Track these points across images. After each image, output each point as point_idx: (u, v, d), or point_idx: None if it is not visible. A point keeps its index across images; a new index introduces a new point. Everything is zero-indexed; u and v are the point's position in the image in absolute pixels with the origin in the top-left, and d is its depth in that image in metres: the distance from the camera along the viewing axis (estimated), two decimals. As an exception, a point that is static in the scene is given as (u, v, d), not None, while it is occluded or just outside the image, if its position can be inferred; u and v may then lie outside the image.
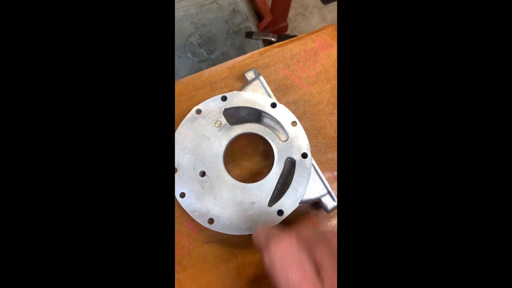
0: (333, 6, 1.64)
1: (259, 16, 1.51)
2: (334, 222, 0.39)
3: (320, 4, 1.67)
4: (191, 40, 1.44)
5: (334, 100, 0.43)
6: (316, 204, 0.39)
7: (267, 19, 1.36)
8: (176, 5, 1.47)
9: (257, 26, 1.45)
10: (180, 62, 1.41)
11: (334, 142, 0.41)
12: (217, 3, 1.47)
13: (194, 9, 1.46)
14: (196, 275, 0.36)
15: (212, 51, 1.41)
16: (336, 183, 0.40)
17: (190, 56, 1.44)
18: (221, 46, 1.44)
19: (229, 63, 0.44)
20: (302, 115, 0.42)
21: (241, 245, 0.37)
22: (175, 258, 0.37)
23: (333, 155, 0.41)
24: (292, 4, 1.64)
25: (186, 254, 0.37)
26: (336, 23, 0.48)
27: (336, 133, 0.41)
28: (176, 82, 0.43)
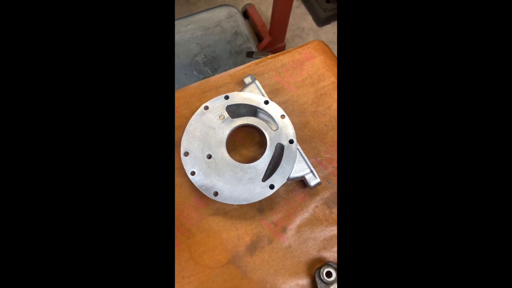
0: (327, 28, 1.78)
1: (259, 37, 1.64)
2: (318, 198, 0.46)
3: (315, 26, 1.81)
4: (197, 59, 1.56)
5: (317, 100, 0.52)
6: (302, 183, 0.47)
7: (266, 40, 1.49)
8: (183, 28, 1.61)
9: (257, 47, 1.58)
10: (187, 78, 1.53)
11: (317, 134, 0.50)
12: (221, 26, 1.61)
13: (199, 31, 1.60)
14: (202, 241, 0.44)
15: (216, 69, 1.53)
16: (319, 166, 0.48)
17: (195, 73, 1.56)
18: (224, 65, 1.57)
19: (231, 71, 0.54)
20: (291, 113, 0.51)
21: (241, 217, 0.45)
22: (186, 227, 0.45)
23: (316, 144, 0.49)
24: (290, 26, 1.78)
25: (195, 224, 0.45)
26: (323, 41, 0.58)
27: (319, 126, 0.50)
28: (187, 87, 0.53)
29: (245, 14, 1.74)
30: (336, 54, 0.52)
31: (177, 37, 1.57)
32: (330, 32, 1.75)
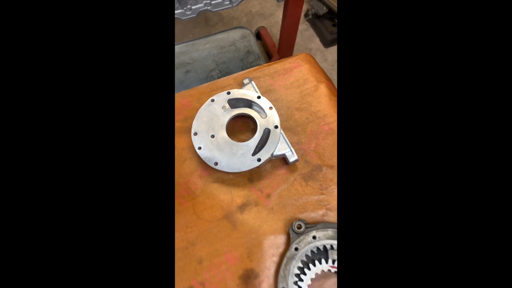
0: (333, 49, 1.93)
1: (269, 56, 1.81)
2: (296, 173, 0.58)
3: (322, 47, 1.97)
4: (212, 74, 1.74)
5: (301, 99, 0.65)
6: (284, 160, 0.59)
7: (275, 58, 1.65)
8: (202, 47, 1.81)
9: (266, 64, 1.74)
10: (202, 90, 1.69)
11: (299, 124, 0.62)
12: (235, 46, 1.80)
13: (216, 50, 1.79)
14: (204, 201, 0.56)
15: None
16: (300, 150, 0.60)
17: (210, 86, 1.72)
18: (236, 79, 1.72)
19: (234, 75, 0.68)
20: (280, 108, 0.64)
21: (235, 184, 0.57)
22: (192, 191, 0.57)
23: (298, 132, 0.62)
24: (299, 47, 1.95)
25: (199, 189, 0.57)
26: (309, 54, 0.72)
27: (301, 119, 0.63)
28: (200, 86, 0.67)
29: (258, 36, 1.92)
30: (335, 67, 0.65)
31: (195, 54, 1.77)
32: (336, 52, 1.90)
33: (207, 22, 2.05)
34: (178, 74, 1.69)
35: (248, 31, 1.86)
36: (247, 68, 1.75)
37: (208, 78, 1.71)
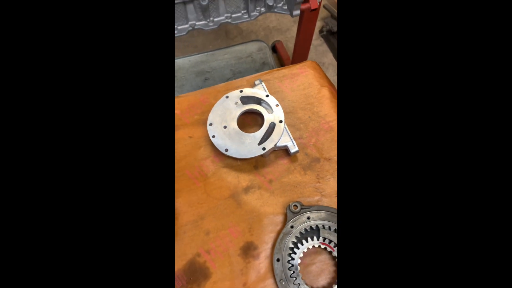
0: (345, 64, 2.01)
1: (283, 68, 1.92)
2: (296, 164, 0.65)
3: (335, 62, 2.05)
4: (229, 82, 1.85)
5: (305, 99, 0.73)
6: (287, 152, 0.66)
7: (288, 69, 1.75)
8: (221, 57, 1.94)
9: (281, 75, 1.83)
10: (219, 96, 1.80)
11: (302, 121, 0.70)
12: (251, 57, 1.92)
13: (233, 60, 1.92)
14: (214, 182, 0.64)
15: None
16: (301, 144, 0.67)
17: (226, 93, 1.83)
18: (251, 87, 1.83)
19: (248, 77, 0.78)
20: (286, 107, 0.72)
21: (242, 170, 0.65)
22: (205, 173, 0.65)
23: (300, 128, 0.69)
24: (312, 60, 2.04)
25: (210, 171, 0.66)
26: (315, 61, 0.80)
27: (304, 117, 0.71)
28: (217, 85, 0.77)
29: (274, 49, 2.04)
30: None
31: (215, 63, 1.90)
32: (347, 67, 1.98)
33: (227, 35, 2.19)
34: (198, 81, 1.82)
35: (265, 44, 1.98)
36: (262, 78, 1.86)
37: (225, 85, 1.82)
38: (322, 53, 2.07)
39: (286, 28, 2.22)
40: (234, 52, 1.94)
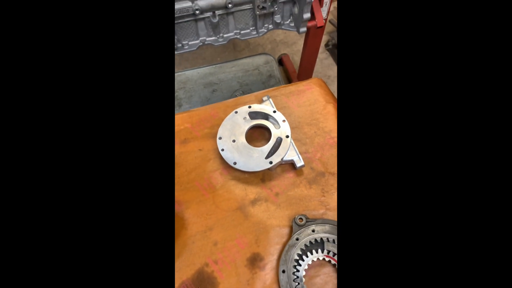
0: (350, 77, 2.04)
1: (289, 80, 1.96)
2: (302, 177, 0.68)
3: (340, 75, 2.09)
4: (236, 94, 1.90)
5: (311, 115, 0.76)
6: (293, 166, 0.69)
7: (294, 82, 1.79)
8: (228, 69, 1.99)
9: (287, 87, 1.87)
10: (226, 107, 1.84)
11: (308, 137, 0.73)
12: (258, 70, 1.96)
13: (241, 73, 1.97)
14: (222, 194, 0.67)
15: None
16: (307, 158, 0.70)
17: (233, 104, 1.87)
18: (258, 99, 1.87)
19: (256, 93, 0.81)
20: (292, 122, 0.75)
21: (249, 183, 0.68)
22: (213, 185, 0.68)
23: (306, 143, 0.72)
24: (317, 74, 2.09)
25: (219, 183, 0.68)
26: (321, 78, 0.83)
27: (310, 132, 0.73)
28: (226, 101, 0.80)
29: (280, 62, 2.08)
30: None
31: (222, 75, 1.95)
32: (352, 80, 2.01)
33: (235, 48, 2.25)
34: (206, 93, 1.86)
35: (271, 57, 2.03)
36: (268, 90, 1.90)
37: (232, 97, 1.86)
38: (328, 66, 2.11)
39: (292, 41, 2.27)
40: (241, 65, 1.99)
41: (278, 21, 1.16)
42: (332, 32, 2.11)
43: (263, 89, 1.99)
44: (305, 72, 1.63)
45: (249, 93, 2.06)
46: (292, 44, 2.26)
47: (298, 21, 1.16)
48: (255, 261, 0.59)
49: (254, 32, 1.17)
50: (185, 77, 1.90)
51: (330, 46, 2.10)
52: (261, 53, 2.06)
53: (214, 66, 2.01)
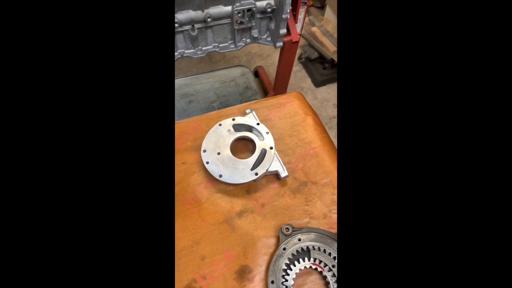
0: (323, 89, 2.13)
1: (265, 92, 2.00)
2: (286, 187, 0.70)
3: (313, 87, 2.17)
4: (213, 105, 1.90)
5: (292, 127, 0.79)
6: (277, 177, 0.70)
7: (270, 94, 1.84)
8: (205, 80, 1.99)
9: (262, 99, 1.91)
10: (203, 118, 1.84)
11: (290, 148, 0.75)
12: (235, 81, 1.99)
13: (217, 84, 1.98)
14: (208, 207, 0.67)
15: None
16: (290, 168, 0.72)
17: (211, 115, 1.87)
18: (235, 110, 1.88)
19: (238, 106, 0.83)
20: (274, 134, 0.77)
21: (235, 195, 0.68)
22: (199, 199, 0.68)
23: (288, 154, 0.74)
24: (292, 85, 2.15)
25: (204, 197, 0.68)
26: (300, 92, 0.87)
27: (291, 143, 0.76)
28: (209, 113, 0.81)
29: (256, 74, 2.13)
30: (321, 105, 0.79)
31: (199, 87, 1.94)
32: (325, 92, 2.11)
33: (211, 59, 2.26)
34: (182, 103, 1.85)
35: (248, 69, 2.07)
36: (245, 101, 1.93)
37: (209, 108, 1.86)
38: (301, 79, 2.19)
39: (267, 54, 2.34)
40: (218, 76, 2.00)
41: (256, 36, 1.20)
42: (305, 46, 2.21)
43: (240, 100, 2.01)
44: (280, 84, 1.68)
45: (226, 104, 2.07)
46: (267, 56, 2.32)
47: (275, 36, 1.20)
48: (243, 273, 0.59)
49: (233, 46, 1.20)
50: (160, 88, 1.87)
51: (303, 59, 2.19)
52: (237, 65, 2.09)
53: (190, 77, 2.00)
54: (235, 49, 1.21)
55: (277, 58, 2.25)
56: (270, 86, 1.99)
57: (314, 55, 2.10)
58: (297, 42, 1.30)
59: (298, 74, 2.22)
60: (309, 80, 2.21)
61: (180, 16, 1.03)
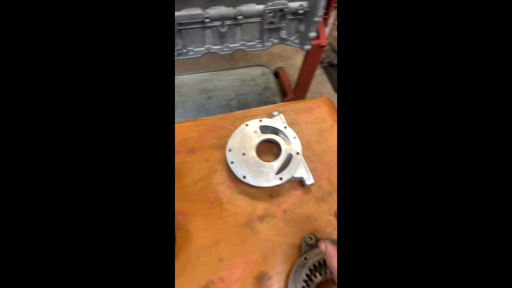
0: (342, 95, 2.10)
1: (284, 94, 1.98)
2: (310, 195, 0.68)
3: (332, 92, 2.14)
4: (231, 103, 1.89)
5: (319, 133, 0.77)
6: (301, 183, 0.69)
7: (290, 96, 1.81)
8: (225, 78, 1.99)
9: (282, 101, 1.90)
10: (221, 115, 1.85)
11: (316, 154, 0.73)
12: (255, 81, 1.97)
13: (237, 82, 1.97)
14: (229, 208, 0.65)
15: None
16: (314, 176, 0.70)
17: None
18: (253, 110, 1.88)
19: (264, 107, 0.81)
20: (301, 139, 0.75)
21: (257, 198, 0.67)
22: (221, 198, 0.66)
23: (314, 161, 0.72)
24: (311, 89, 2.13)
25: (226, 197, 0.67)
26: (328, 97, 0.85)
27: (318, 150, 0.74)
28: (234, 112, 0.80)
29: (276, 75, 2.11)
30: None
31: (219, 83, 1.94)
32: (344, 98, 2.07)
33: (232, 56, 2.25)
34: (201, 99, 1.84)
35: (268, 70, 2.05)
36: (264, 101, 1.91)
37: (227, 106, 1.85)
38: (321, 83, 2.16)
39: (288, 55, 2.31)
40: (238, 74, 1.99)
41: (284, 37, 1.18)
42: (327, 51, 2.18)
43: (258, 100, 1.99)
44: (301, 87, 1.66)
45: (244, 102, 2.06)
46: (288, 58, 2.30)
47: (304, 39, 1.18)
48: (262, 280, 0.58)
49: (260, 45, 1.18)
50: (180, 81, 1.87)
51: (325, 64, 2.16)
52: (258, 64, 2.08)
53: (210, 72, 1.99)
54: (262, 48, 1.19)
55: (298, 60, 2.23)
56: (289, 88, 1.97)
57: (337, 61, 2.07)
58: (324, 46, 1.27)
59: (319, 78, 2.19)
60: (329, 86, 2.17)
61: (211, 11, 1.02)
